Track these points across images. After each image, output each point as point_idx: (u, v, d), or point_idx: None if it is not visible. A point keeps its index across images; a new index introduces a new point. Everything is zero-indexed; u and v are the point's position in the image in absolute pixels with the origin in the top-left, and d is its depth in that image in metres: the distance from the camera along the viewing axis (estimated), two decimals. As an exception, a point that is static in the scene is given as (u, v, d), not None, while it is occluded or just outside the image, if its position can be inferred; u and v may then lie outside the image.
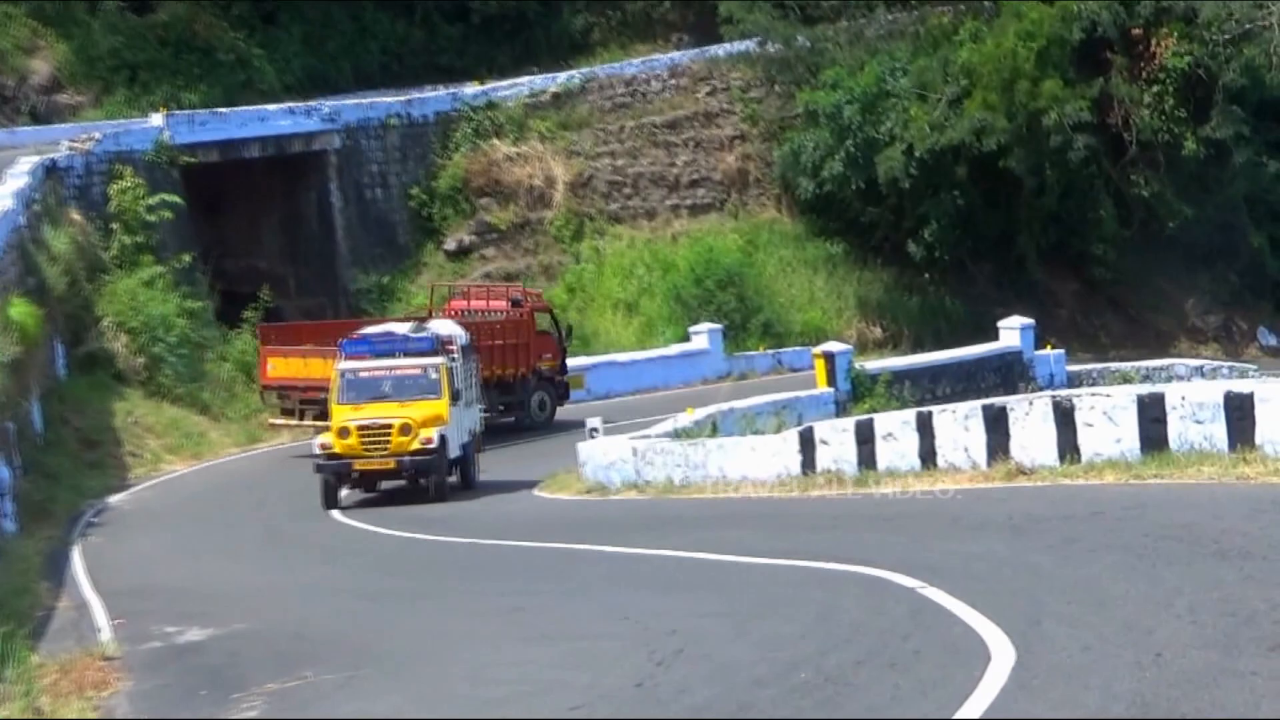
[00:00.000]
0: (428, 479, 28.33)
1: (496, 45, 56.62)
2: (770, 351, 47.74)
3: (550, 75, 54.43)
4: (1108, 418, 22.29)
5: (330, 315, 47.10)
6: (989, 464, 23.26)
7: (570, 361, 45.23)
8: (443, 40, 56.32)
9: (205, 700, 14.01)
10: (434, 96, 51.57)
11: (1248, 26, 49.68)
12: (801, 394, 37.94)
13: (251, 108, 47.66)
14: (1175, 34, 50.64)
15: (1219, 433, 20.78)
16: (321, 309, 47.79)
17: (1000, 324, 44.04)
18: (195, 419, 39.65)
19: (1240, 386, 22.34)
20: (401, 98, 50.87)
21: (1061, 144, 49.11)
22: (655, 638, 14.00)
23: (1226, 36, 49.98)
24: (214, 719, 13.10)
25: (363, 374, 29.07)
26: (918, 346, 48.21)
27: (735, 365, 46.52)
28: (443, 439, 27.75)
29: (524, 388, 39.37)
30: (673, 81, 56.10)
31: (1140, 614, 12.34)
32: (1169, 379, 38.74)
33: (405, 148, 50.41)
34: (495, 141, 51.42)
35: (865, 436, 25.93)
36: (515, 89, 53.08)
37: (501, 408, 38.31)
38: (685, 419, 32.85)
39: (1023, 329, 43.57)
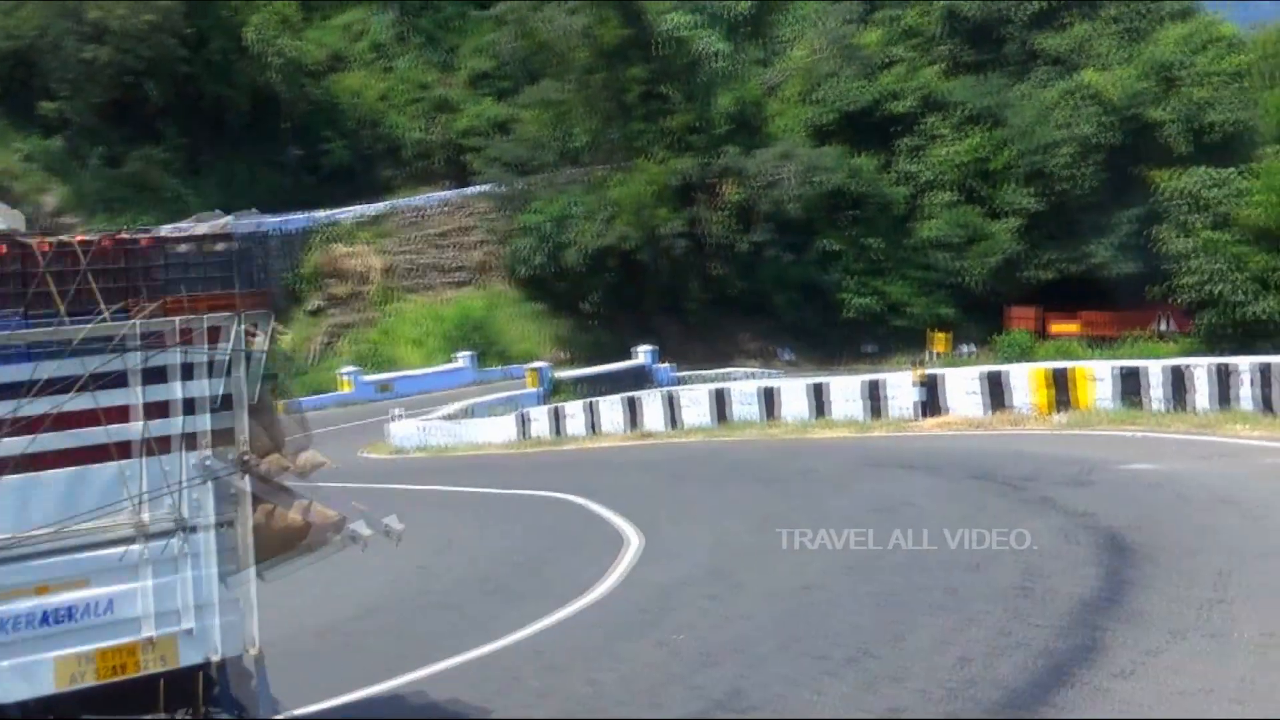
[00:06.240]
0: None
1: (336, 186, 57.86)
2: (502, 368, 50.16)
3: (369, 205, 57.11)
4: (696, 403, 25.36)
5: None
6: (629, 430, 26.05)
7: (381, 375, 48.00)
8: (303, 184, 57.91)
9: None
10: (298, 217, 54.00)
11: (773, 177, 54.61)
12: (520, 392, 40.05)
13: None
14: (734, 182, 55.30)
15: (758, 410, 23.82)
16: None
17: (636, 349, 47.59)
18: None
19: (769, 383, 25.69)
20: (279, 218, 52.32)
21: (669, 245, 53.19)
22: (433, 538, 14.77)
23: (763, 183, 54.85)
24: None
25: None
26: (589, 363, 49.12)
27: (482, 376, 49.47)
28: None
29: None
30: (443, 209, 58.55)
31: (715, 516, 13.84)
32: (730, 380, 37.17)
33: (281, 249, 53.31)
34: (336, 245, 54.70)
35: (557, 416, 29.04)
36: (348, 213, 55.91)
37: None
38: (453, 407, 34.96)
39: (649, 352, 47.36)
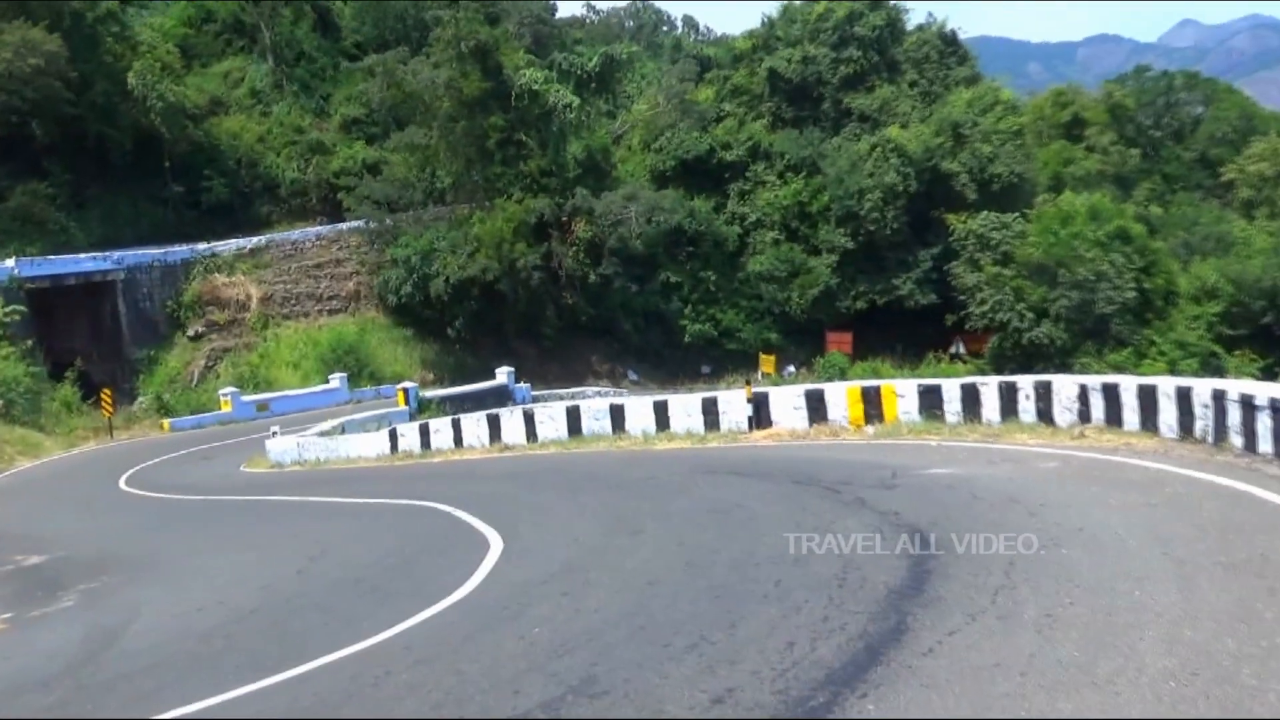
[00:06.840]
0: None
1: (217, 221, 56.31)
2: (374, 388, 49.16)
3: (248, 238, 55.47)
4: (552, 418, 24.92)
5: (120, 377, 47.67)
6: (491, 444, 25.35)
7: (259, 396, 45.98)
8: (185, 218, 56.03)
9: (40, 597, 13.55)
10: (180, 249, 52.16)
11: (619, 217, 54.80)
12: (391, 410, 38.48)
13: (69, 255, 47.92)
14: (584, 220, 55.32)
15: (608, 425, 23.63)
16: (114, 371, 48.28)
17: (497, 370, 46.59)
18: (36, 435, 39.73)
19: (618, 400, 25.46)
20: (161, 250, 51.34)
21: (527, 277, 52.89)
22: (310, 545, 14.59)
23: (610, 221, 54.93)
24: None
25: None
26: (454, 383, 48.50)
27: (355, 396, 48.40)
28: None
29: None
30: (319, 242, 57.06)
31: (569, 520, 13.46)
32: (582, 397, 38.15)
33: (163, 279, 51.02)
34: (216, 275, 52.73)
35: (425, 431, 27.70)
36: (228, 246, 54.09)
37: None
38: (328, 424, 33.58)
39: (508, 373, 46.17)
